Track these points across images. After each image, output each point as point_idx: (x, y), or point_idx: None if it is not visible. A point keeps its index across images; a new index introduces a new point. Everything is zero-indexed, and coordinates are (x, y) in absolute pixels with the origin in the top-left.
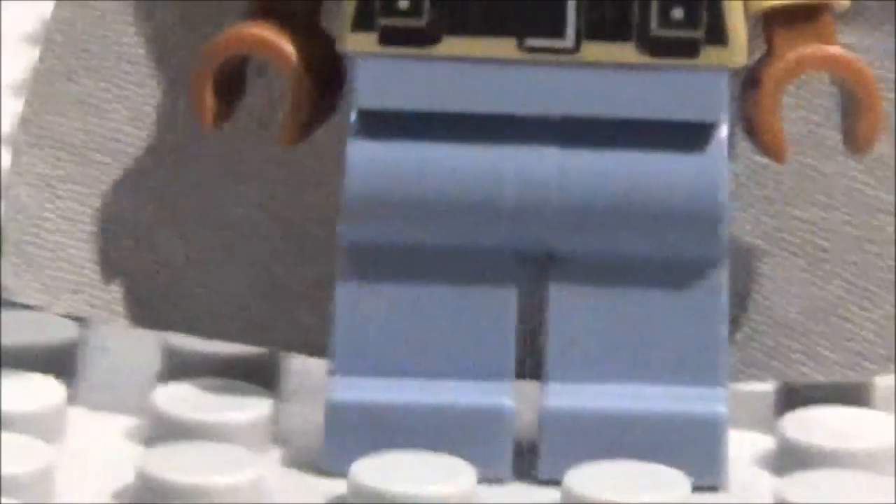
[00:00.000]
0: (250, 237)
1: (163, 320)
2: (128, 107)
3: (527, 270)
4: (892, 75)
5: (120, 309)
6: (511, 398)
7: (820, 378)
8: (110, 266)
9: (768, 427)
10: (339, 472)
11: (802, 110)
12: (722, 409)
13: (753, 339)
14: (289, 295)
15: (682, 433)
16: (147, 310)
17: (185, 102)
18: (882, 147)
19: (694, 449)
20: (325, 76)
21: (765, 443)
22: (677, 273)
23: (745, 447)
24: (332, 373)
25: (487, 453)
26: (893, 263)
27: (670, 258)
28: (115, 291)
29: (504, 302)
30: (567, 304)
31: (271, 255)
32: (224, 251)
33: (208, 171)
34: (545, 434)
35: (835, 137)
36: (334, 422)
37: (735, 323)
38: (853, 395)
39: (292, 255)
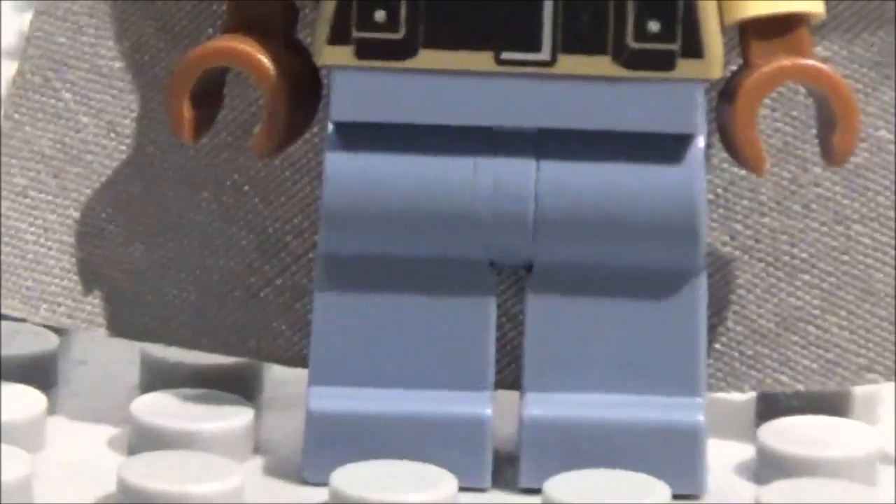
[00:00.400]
0: (226, 248)
1: (140, 331)
2: (104, 119)
3: (505, 281)
4: (868, 87)
5: (98, 319)
6: (489, 407)
7: (798, 387)
8: (87, 277)
9: (748, 436)
10: (319, 481)
11: (779, 122)
12: (701, 418)
13: (732, 349)
14: (265, 306)
15: (662, 442)
16: (124, 320)
17: (162, 115)
18: (858, 158)
19: (673, 458)
20: (302, 89)
21: (744, 451)
22: (655, 283)
23: (724, 456)
24: (311, 383)
25: (467, 462)
26: (869, 273)
27: (648, 269)
28: (94, 302)
29: (482, 312)
30: (545, 314)
31: (247, 266)
32: (199, 262)
33: (183, 182)
34: (525, 443)
35: (811, 149)
36: (314, 431)
37: (713, 333)
38: (832, 404)
39: (268, 266)
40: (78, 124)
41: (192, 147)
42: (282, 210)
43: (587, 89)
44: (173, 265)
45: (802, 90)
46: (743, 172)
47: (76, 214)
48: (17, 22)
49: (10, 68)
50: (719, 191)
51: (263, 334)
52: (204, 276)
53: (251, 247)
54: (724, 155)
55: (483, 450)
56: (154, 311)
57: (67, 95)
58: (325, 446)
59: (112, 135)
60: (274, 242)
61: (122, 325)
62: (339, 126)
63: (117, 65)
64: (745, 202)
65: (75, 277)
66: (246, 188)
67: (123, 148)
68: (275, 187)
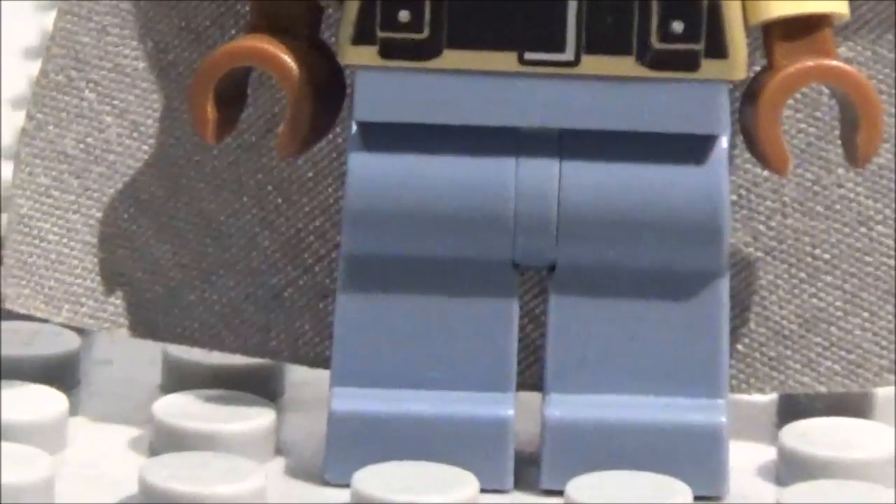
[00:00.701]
0: (248, 248)
1: (162, 332)
2: (127, 119)
3: (527, 282)
4: (892, 88)
5: (120, 320)
6: (512, 409)
7: (820, 388)
8: (110, 277)
9: (769, 437)
10: (341, 482)
11: (802, 123)
12: (722, 419)
13: (754, 350)
14: (288, 306)
15: (684, 444)
16: (147, 321)
17: (185, 115)
18: (881, 159)
19: (695, 460)
20: (326, 89)
21: (766, 453)
22: (678, 284)
23: (746, 457)
24: (333, 383)
25: (489, 464)
26: (892, 274)
27: (671, 270)
28: (116, 303)
29: (505, 313)
30: (568, 315)
31: (269, 266)
32: (222, 262)
33: (206, 182)
34: (547, 444)
35: (834, 150)
36: (336, 432)
37: (736, 334)
38: (853, 405)
39: (291, 267)
40: (101, 124)
41: (215, 147)
42: (304, 211)
43: (611, 90)
44: (196, 266)
45: (826, 91)
46: (766, 173)
47: (99, 215)
48: (40, 21)
49: (33, 67)
50: (742, 192)
51: (285, 335)
52: (226, 277)
53: (274, 247)
54: (748, 156)
55: (505, 451)
56: (176, 311)
57: (91, 95)
58: (347, 447)
59: (135, 135)
60: (296, 243)
61: (144, 325)
62: (363, 126)
63: (141, 65)
64: (768, 203)
65: (98, 278)
66: (269, 188)
67: (146, 148)
68: (298, 188)
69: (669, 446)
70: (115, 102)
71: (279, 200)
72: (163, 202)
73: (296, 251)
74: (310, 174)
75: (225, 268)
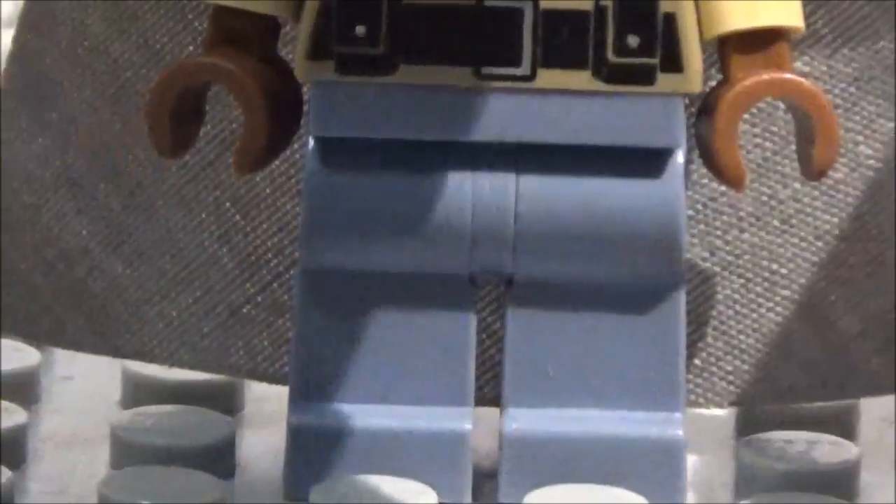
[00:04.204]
0: (207, 265)
1: (122, 348)
2: (85, 136)
3: (485, 297)
4: (847, 102)
5: (79, 337)
6: (469, 423)
7: (777, 402)
8: (67, 294)
9: (728, 451)
10: (300, 496)
11: (759, 138)
12: (679, 433)
13: (711, 365)
14: (246, 323)
15: (641, 457)
16: (106, 338)
17: (142, 132)
18: (838, 173)
19: (652, 473)
20: (283, 105)
21: (724, 467)
22: (635, 298)
23: (704, 471)
24: (291, 398)
25: (447, 477)
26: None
27: (628, 283)
28: (73, 319)
29: (462, 328)
30: (525, 329)
31: (228, 283)
32: (180, 279)
33: (164, 199)
34: (505, 458)
35: (791, 164)
36: (294, 447)
37: (693, 348)
38: (811, 419)
39: (249, 284)
40: (60, 140)
41: (173, 164)
42: (262, 227)
43: (567, 104)
44: (154, 282)
45: (782, 106)
46: (723, 188)
47: (57, 231)
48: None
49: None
50: (699, 206)
51: (244, 351)
52: (185, 294)
53: (232, 264)
54: (704, 171)
55: (463, 465)
56: (136, 328)
57: (52, 114)
58: (306, 461)
59: (93, 152)
60: (255, 260)
61: (104, 342)
62: (320, 141)
63: (99, 81)
64: (725, 218)
65: (56, 295)
66: (227, 205)
67: (104, 164)
68: (256, 205)
69: (627, 459)
70: (74, 119)
71: (237, 217)
72: (121, 219)
73: (254, 268)
74: (267, 191)
75: (183, 284)
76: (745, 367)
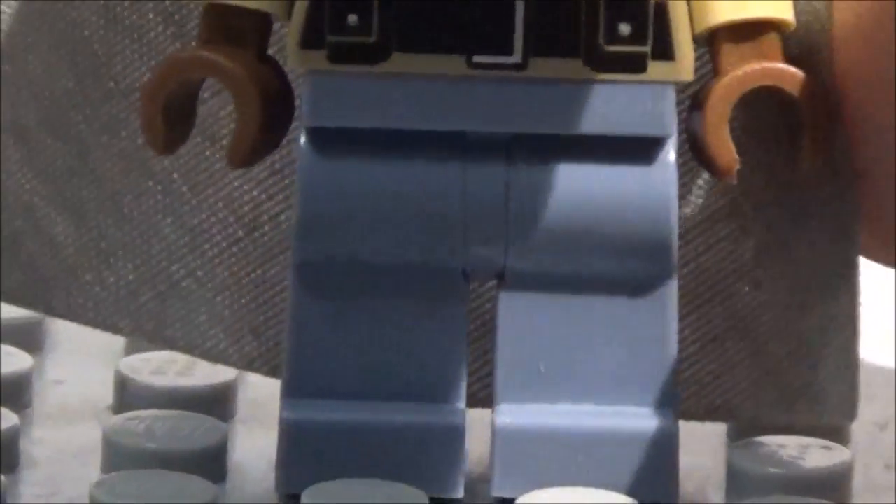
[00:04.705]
0: (149, 234)
1: (57, 308)
2: (37, 90)
3: (477, 299)
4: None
5: (13, 290)
6: (462, 416)
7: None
8: (8, 248)
9: (719, 455)
10: (293, 491)
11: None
12: (672, 425)
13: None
14: (185, 296)
15: (634, 451)
16: (43, 295)
17: (98, 92)
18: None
19: (646, 466)
20: (275, 101)
21: (715, 471)
22: (627, 291)
23: (695, 474)
24: (284, 393)
25: (440, 471)
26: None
27: (620, 275)
28: (9, 272)
29: (454, 322)
30: (517, 323)
31: (169, 254)
32: (121, 244)
33: (112, 162)
34: (497, 451)
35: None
36: (287, 441)
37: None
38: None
39: (191, 257)
40: (16, 96)
41: (123, 129)
42: (209, 202)
43: (559, 93)
44: (93, 245)
45: (774, 106)
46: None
47: (5, 183)
48: None
49: None
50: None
51: (181, 324)
52: (125, 259)
53: (175, 235)
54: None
55: (456, 458)
56: (73, 289)
57: (6, 67)
58: (299, 456)
59: (47, 105)
60: (199, 234)
61: (39, 300)
62: (312, 131)
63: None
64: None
65: None
66: (175, 176)
67: (56, 122)
68: (205, 178)
69: (620, 453)
70: (31, 76)
71: (184, 189)
72: (67, 178)
73: (197, 242)
74: (217, 165)
75: (124, 250)
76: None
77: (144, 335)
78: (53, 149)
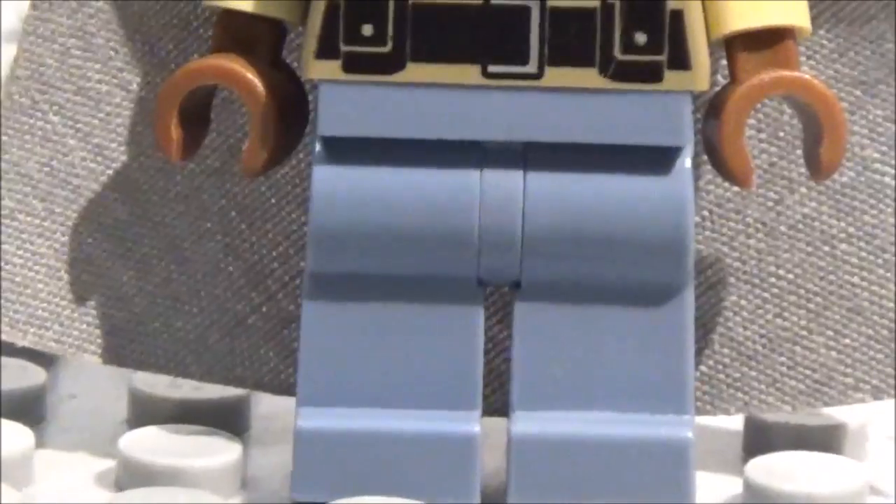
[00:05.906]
0: (212, 275)
1: (127, 358)
2: (91, 143)
3: (491, 307)
4: (851, 105)
5: (86, 345)
6: (478, 425)
7: (784, 408)
8: (75, 302)
9: (735, 471)
10: (308, 500)
11: (765, 143)
12: (689, 434)
13: (718, 371)
14: (252, 333)
15: (650, 459)
16: (112, 347)
17: (149, 139)
18: (844, 177)
19: (662, 474)
20: (290, 109)
21: (732, 487)
22: (643, 299)
23: (712, 490)
24: (299, 402)
25: (456, 480)
26: (856, 293)
27: (636, 283)
28: (81, 328)
29: (470, 331)
30: (533, 331)
31: (233, 293)
32: (186, 289)
33: (170, 207)
34: (513, 460)
35: (797, 169)
36: (302, 450)
37: (700, 355)
38: (820, 440)
39: (255, 293)
40: (65, 147)
41: (178, 172)
42: (268, 237)
43: (574, 102)
44: (159, 292)
45: (788, 111)
46: (729, 194)
47: (63, 239)
48: (16, 6)
49: (10, 51)
50: (705, 213)
51: (249, 362)
52: (190, 304)
53: (237, 273)
54: (710, 177)
55: (471, 467)
56: (141, 338)
57: (55, 118)
58: (315, 464)
59: (99, 158)
60: (260, 269)
61: (109, 352)
62: (327, 141)
63: (104, 88)
64: (732, 224)
65: (63, 303)
66: (233, 214)
67: (111, 172)
68: (261, 214)
69: (636, 461)
70: (80, 125)
71: (243, 226)
72: (127, 227)
73: (259, 277)
74: (273, 200)
75: (189, 294)
76: (753, 373)
77: (214, 377)
78: (112, 199)
